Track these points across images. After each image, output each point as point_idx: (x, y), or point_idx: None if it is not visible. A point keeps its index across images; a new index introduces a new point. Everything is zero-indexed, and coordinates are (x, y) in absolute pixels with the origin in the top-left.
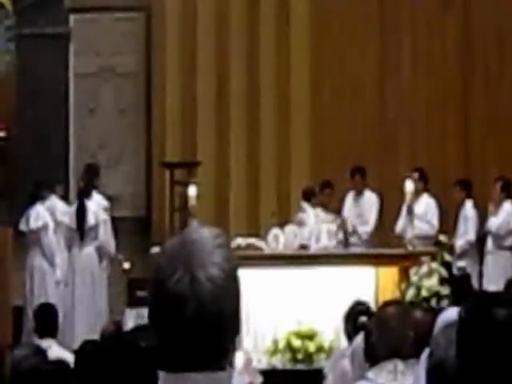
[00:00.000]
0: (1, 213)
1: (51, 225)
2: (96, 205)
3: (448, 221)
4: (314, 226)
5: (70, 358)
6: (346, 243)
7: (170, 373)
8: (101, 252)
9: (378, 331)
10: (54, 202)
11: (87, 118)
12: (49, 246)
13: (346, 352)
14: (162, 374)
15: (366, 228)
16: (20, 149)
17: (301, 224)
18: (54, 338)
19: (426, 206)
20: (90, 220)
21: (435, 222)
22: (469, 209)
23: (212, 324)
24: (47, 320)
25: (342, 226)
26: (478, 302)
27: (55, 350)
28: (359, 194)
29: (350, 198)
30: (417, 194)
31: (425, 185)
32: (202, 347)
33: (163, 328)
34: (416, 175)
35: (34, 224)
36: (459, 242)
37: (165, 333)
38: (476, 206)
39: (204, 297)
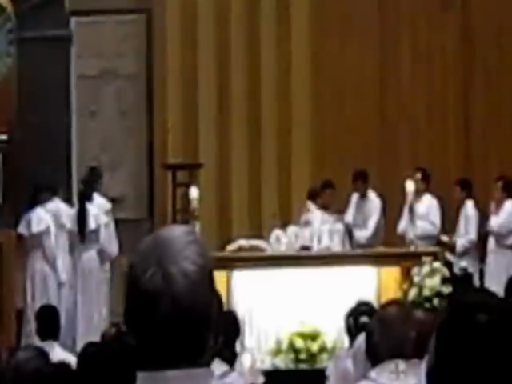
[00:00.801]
0: (3, 216)
1: (53, 228)
2: (97, 208)
3: (449, 221)
4: (318, 226)
5: (72, 360)
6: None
7: (148, 371)
8: (102, 255)
9: (379, 331)
10: (57, 204)
11: (89, 121)
12: (50, 250)
13: (348, 352)
14: (140, 374)
15: (365, 233)
16: (22, 152)
17: (307, 225)
18: (55, 340)
19: (428, 206)
20: (91, 223)
21: (437, 221)
22: (469, 208)
23: (187, 319)
24: (49, 322)
25: (346, 227)
26: (459, 306)
27: (58, 353)
28: (363, 196)
29: (354, 200)
30: (419, 194)
31: (427, 185)
32: (178, 343)
33: (139, 326)
34: (418, 175)
35: (35, 228)
36: (461, 242)
37: (140, 331)
38: (477, 205)
39: (178, 292)
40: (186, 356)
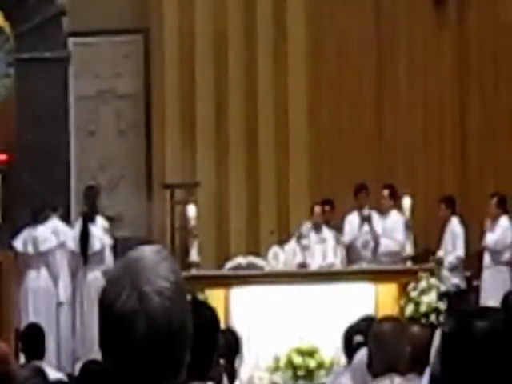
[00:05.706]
0: (2, 235)
1: (58, 247)
2: (101, 229)
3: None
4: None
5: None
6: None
7: None
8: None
9: (373, 347)
10: (56, 223)
11: (87, 141)
12: (56, 268)
13: (344, 369)
14: None
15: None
16: (21, 172)
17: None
18: (41, 359)
19: (394, 222)
20: (96, 244)
21: (401, 238)
22: (456, 225)
23: (164, 337)
24: (34, 341)
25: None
26: (459, 316)
27: (50, 373)
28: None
29: (354, 219)
30: (387, 210)
31: (394, 202)
32: (156, 362)
33: (116, 350)
34: (386, 192)
35: (42, 246)
36: (449, 259)
37: (119, 354)
38: (463, 222)
39: (154, 311)
40: (164, 374)
